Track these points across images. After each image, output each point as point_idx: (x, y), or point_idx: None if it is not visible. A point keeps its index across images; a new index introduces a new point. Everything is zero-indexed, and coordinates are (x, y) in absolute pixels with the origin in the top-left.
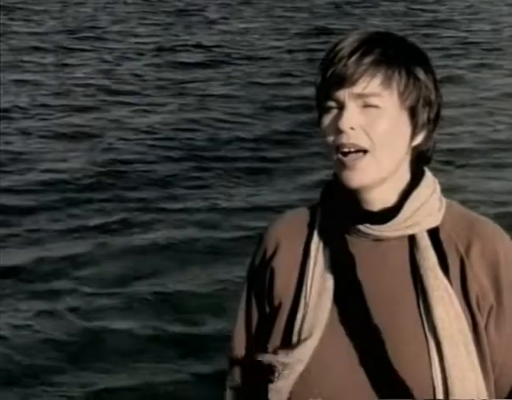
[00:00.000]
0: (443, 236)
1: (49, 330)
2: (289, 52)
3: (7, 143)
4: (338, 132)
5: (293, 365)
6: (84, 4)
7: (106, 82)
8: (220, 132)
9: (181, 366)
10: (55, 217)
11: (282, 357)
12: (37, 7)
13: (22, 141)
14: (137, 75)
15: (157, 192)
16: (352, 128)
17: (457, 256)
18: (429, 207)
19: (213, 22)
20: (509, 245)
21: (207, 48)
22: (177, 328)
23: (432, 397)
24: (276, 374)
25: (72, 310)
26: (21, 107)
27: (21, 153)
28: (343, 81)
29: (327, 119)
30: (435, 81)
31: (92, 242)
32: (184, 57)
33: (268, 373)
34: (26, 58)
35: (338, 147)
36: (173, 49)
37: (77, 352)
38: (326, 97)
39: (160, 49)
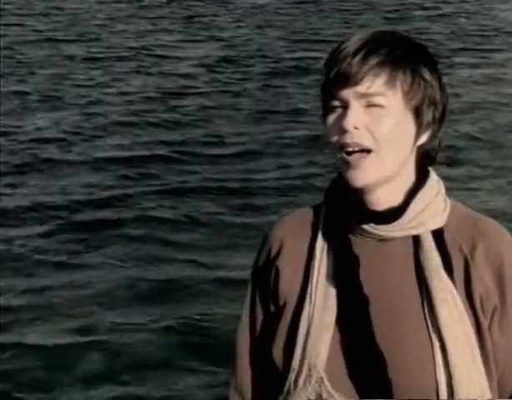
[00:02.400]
0: (447, 237)
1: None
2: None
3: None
4: (342, 131)
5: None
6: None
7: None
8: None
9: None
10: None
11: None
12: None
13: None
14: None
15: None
16: (356, 128)
17: (461, 257)
18: (433, 207)
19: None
20: None
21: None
22: (180, 327)
23: (436, 398)
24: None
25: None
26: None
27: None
28: (347, 80)
29: (331, 118)
30: (441, 81)
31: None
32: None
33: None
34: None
35: (342, 147)
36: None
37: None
38: (330, 96)
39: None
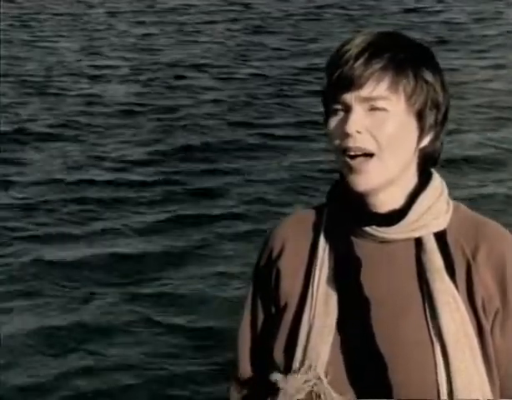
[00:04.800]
0: (450, 239)
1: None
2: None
3: None
4: (345, 135)
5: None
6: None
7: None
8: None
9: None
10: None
11: (292, 384)
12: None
13: None
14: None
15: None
16: (358, 132)
17: (463, 259)
18: (436, 209)
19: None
20: None
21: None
22: (184, 329)
23: None
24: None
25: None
26: None
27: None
28: (349, 84)
29: (333, 122)
30: (443, 82)
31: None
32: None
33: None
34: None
35: (344, 151)
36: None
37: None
38: (332, 99)
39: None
